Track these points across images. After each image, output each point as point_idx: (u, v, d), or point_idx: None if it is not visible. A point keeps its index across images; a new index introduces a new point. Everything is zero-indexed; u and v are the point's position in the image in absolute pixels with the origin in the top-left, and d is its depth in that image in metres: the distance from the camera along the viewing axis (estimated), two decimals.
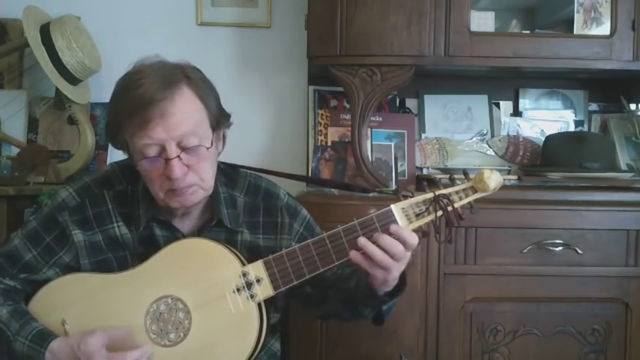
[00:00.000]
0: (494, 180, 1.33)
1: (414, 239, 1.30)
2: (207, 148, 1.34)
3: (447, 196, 1.33)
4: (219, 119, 1.39)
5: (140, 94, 1.27)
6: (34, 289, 1.41)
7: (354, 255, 1.30)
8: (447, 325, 1.95)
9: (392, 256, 1.28)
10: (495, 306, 1.96)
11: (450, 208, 1.32)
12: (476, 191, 1.34)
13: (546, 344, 1.96)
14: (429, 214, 1.33)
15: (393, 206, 1.34)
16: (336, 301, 1.47)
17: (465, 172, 1.36)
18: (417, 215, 1.33)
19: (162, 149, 1.30)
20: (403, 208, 1.34)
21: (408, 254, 1.32)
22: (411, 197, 1.34)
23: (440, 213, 1.32)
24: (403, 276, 1.37)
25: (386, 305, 1.42)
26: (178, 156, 1.29)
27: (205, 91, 1.35)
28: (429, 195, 1.34)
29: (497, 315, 1.96)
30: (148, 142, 1.29)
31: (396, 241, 1.29)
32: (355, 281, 1.42)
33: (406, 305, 1.91)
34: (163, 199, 1.34)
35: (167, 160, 1.29)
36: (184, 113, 1.30)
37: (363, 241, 1.29)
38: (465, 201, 1.34)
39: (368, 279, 1.34)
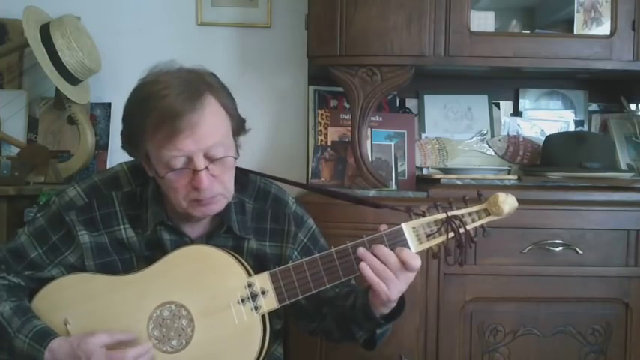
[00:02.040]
0: (508, 204, 1.30)
1: (413, 260, 1.28)
2: (235, 159, 1.34)
3: (459, 218, 1.30)
4: (240, 126, 1.38)
5: (167, 106, 1.25)
6: (39, 286, 1.41)
7: (363, 266, 1.28)
8: (447, 325, 1.95)
9: (387, 265, 1.27)
10: (495, 306, 1.96)
11: (461, 230, 1.30)
12: (489, 214, 1.31)
13: (546, 344, 1.96)
14: (440, 235, 1.31)
15: (403, 225, 1.32)
16: (330, 319, 1.45)
17: (479, 194, 1.34)
18: (428, 236, 1.31)
19: (190, 160, 1.28)
20: (414, 228, 1.31)
21: (409, 274, 1.29)
22: (423, 217, 1.32)
23: (451, 234, 1.30)
24: (402, 301, 1.35)
25: (380, 329, 1.40)
26: (206, 167, 1.28)
27: (227, 99, 1.34)
28: (441, 216, 1.31)
29: (497, 315, 1.96)
30: (176, 154, 1.27)
31: (390, 252, 1.28)
32: (352, 301, 1.40)
33: (406, 305, 1.90)
34: (186, 208, 1.32)
35: (195, 172, 1.28)
36: (212, 124, 1.29)
37: (362, 250, 1.29)
38: (478, 224, 1.32)
39: (367, 299, 1.33)
